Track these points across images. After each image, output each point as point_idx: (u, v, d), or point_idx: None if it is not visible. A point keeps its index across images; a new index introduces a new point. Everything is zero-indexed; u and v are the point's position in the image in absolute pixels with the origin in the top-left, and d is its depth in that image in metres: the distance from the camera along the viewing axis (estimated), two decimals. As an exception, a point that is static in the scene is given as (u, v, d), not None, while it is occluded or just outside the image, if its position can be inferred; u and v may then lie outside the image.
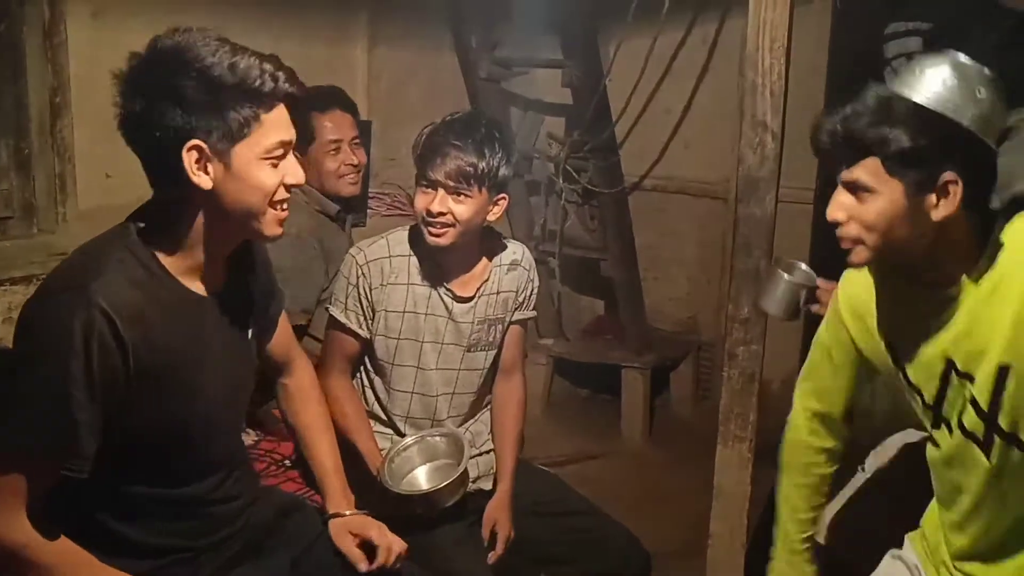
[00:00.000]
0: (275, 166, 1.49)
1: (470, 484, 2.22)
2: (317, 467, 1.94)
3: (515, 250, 2.33)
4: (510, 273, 2.30)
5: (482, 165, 2.09)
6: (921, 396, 1.61)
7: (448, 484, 2.08)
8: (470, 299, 2.24)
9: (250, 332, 1.72)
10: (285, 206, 1.53)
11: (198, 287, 1.55)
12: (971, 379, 1.49)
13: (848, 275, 1.71)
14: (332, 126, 2.63)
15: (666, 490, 3.46)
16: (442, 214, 2.09)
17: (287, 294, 1.93)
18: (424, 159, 2.12)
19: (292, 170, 1.52)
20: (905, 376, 1.63)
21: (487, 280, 2.26)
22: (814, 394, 1.84)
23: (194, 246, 1.51)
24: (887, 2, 3.07)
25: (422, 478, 2.21)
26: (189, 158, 1.41)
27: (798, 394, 1.89)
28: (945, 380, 1.55)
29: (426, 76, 3.88)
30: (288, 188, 1.52)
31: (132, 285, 1.45)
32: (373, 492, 2.08)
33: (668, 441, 3.99)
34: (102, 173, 2.76)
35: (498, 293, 2.28)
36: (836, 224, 1.51)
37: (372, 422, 2.28)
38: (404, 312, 2.20)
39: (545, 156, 4.25)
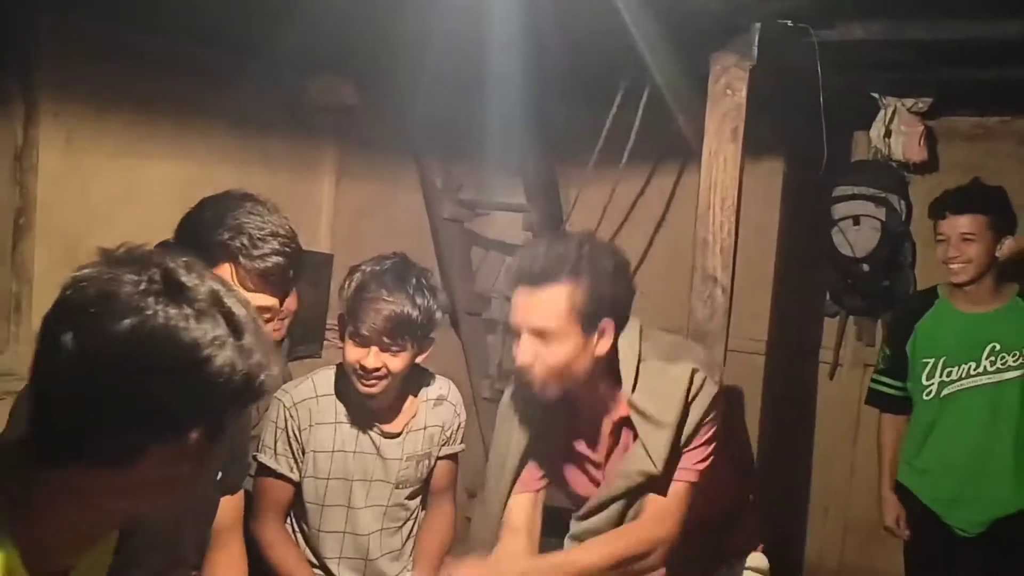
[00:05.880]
0: None
1: None
2: None
3: (441, 385, 2.32)
4: (436, 408, 2.29)
5: (416, 317, 2.06)
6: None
7: None
8: (397, 435, 2.22)
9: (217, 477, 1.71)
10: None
11: None
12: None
13: None
14: None
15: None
16: (376, 369, 2.08)
17: None
18: (355, 313, 2.07)
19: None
20: None
21: (414, 416, 2.25)
22: None
23: None
24: (833, 168, 3.23)
25: None
26: None
27: None
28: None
29: (385, 212, 3.94)
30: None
31: None
32: None
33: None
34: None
35: (425, 428, 2.27)
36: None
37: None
38: (333, 452, 2.18)
39: (503, 296, 4.30)
